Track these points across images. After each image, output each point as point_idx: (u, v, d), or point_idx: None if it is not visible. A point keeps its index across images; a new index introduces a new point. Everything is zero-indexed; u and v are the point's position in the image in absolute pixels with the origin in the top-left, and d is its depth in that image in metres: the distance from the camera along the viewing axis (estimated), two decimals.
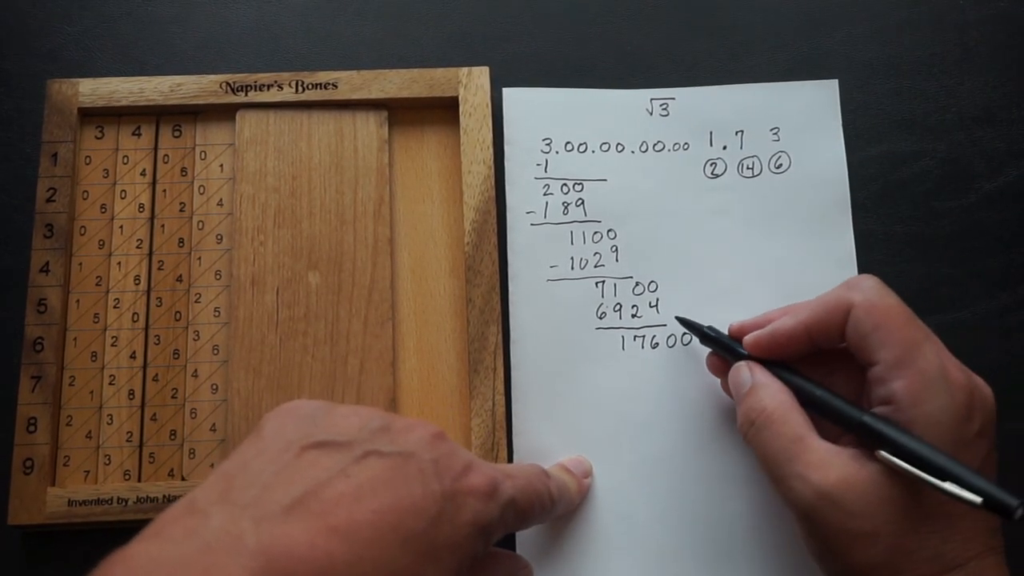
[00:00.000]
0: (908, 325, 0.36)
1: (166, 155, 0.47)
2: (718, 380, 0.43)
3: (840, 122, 0.48)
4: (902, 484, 0.34)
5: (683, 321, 0.44)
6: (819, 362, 0.40)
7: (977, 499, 0.32)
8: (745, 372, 0.40)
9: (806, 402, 0.38)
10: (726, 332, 0.42)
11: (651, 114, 0.48)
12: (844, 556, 0.35)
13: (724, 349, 0.41)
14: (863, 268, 0.45)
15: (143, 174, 0.46)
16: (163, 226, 0.46)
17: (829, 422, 0.37)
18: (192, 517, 0.30)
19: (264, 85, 0.47)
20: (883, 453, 0.34)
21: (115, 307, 0.45)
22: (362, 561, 0.30)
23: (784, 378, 0.39)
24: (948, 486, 0.33)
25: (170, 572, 0.27)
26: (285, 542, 0.29)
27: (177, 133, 0.47)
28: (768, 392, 0.38)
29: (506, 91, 0.48)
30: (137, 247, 0.45)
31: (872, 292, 0.37)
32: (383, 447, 0.32)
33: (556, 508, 0.39)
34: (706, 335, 0.42)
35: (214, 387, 0.44)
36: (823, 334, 0.38)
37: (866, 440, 0.36)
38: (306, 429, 0.33)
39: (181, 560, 0.28)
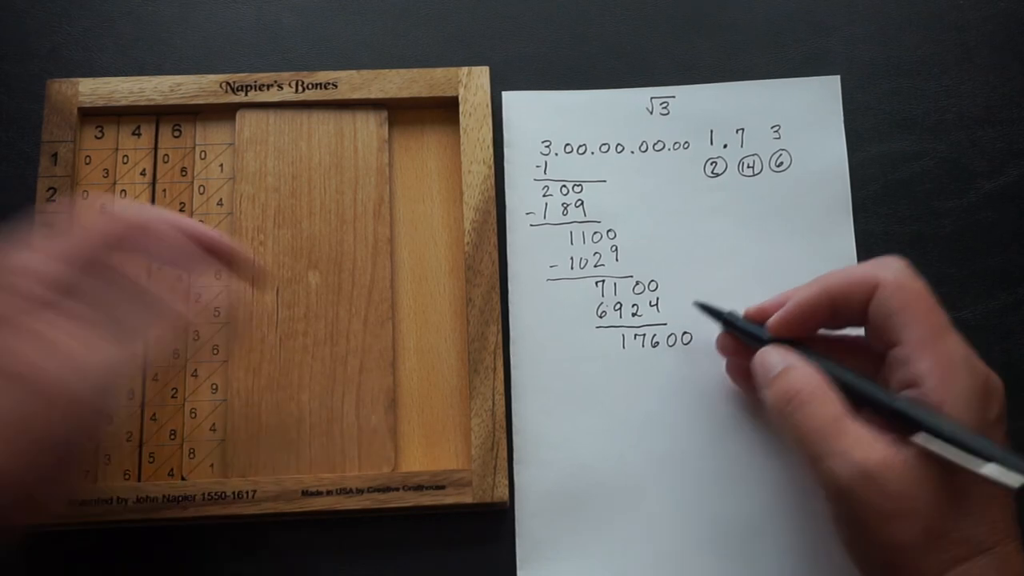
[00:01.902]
0: (934, 310, 0.36)
1: (166, 155, 0.47)
2: (718, 379, 0.43)
3: (842, 119, 0.48)
4: (937, 467, 0.34)
5: (702, 306, 0.43)
6: (830, 350, 0.39)
7: (1016, 483, 0.32)
8: (775, 355, 0.39)
9: (844, 389, 0.37)
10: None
11: (651, 113, 0.48)
12: (879, 536, 0.34)
13: (745, 335, 0.41)
14: None
15: (143, 174, 0.46)
16: None
17: (860, 405, 0.37)
18: None
19: (264, 85, 0.47)
20: (922, 435, 0.34)
21: None
22: None
23: (818, 362, 0.38)
24: (988, 469, 0.33)
25: None
26: None
27: (177, 133, 0.47)
28: (802, 373, 0.37)
29: (506, 95, 0.48)
30: None
31: (901, 273, 0.37)
32: None
33: (117, 246, 0.37)
34: (727, 320, 0.42)
35: (214, 387, 0.44)
36: (845, 306, 0.38)
37: (899, 424, 0.35)
38: None
39: None
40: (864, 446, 0.35)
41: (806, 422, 0.36)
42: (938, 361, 0.35)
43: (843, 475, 0.35)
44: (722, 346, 0.43)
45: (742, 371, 0.42)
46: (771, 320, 0.39)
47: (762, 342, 0.40)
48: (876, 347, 0.38)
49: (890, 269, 0.37)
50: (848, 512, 0.35)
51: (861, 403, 0.37)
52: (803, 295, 0.39)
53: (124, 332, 0.35)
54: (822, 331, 0.41)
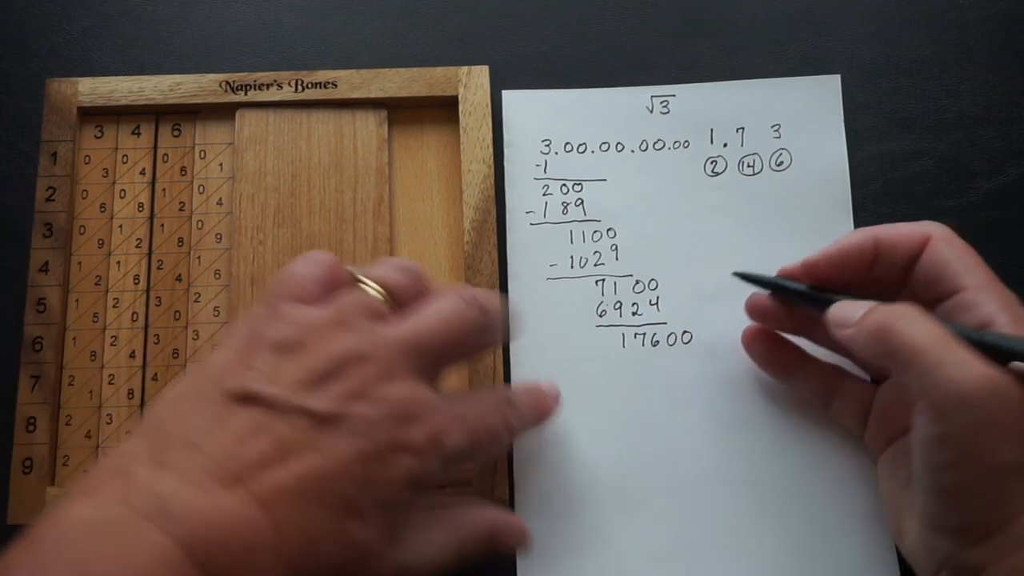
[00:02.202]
0: (983, 262, 0.37)
1: (165, 154, 0.47)
2: (718, 379, 0.43)
3: (842, 118, 0.48)
4: None
5: (743, 275, 0.42)
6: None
7: None
8: (855, 303, 0.38)
9: None
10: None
11: (651, 112, 0.48)
12: (991, 454, 0.33)
13: (790, 292, 0.40)
14: None
15: (142, 173, 0.46)
16: (162, 225, 0.46)
17: None
18: (122, 477, 0.30)
19: (263, 84, 0.47)
20: (1018, 364, 0.34)
21: (114, 306, 0.44)
22: (285, 528, 0.30)
23: None
24: None
25: (99, 537, 0.28)
26: (209, 510, 0.29)
27: (176, 132, 0.47)
28: (893, 305, 0.36)
29: (505, 94, 0.48)
30: (136, 246, 0.45)
31: (948, 231, 0.38)
32: (317, 405, 0.32)
33: (510, 440, 0.39)
34: (773, 284, 0.41)
35: None
36: (889, 255, 0.38)
37: (997, 357, 0.34)
38: (246, 373, 0.32)
39: (110, 525, 0.28)
40: (981, 361, 0.33)
41: (918, 337, 0.34)
42: (1005, 301, 0.36)
43: (968, 381, 0.33)
44: (752, 308, 0.42)
45: (766, 337, 0.43)
46: (811, 257, 0.39)
47: (805, 296, 0.40)
48: (922, 302, 0.37)
49: (939, 227, 0.38)
50: (964, 426, 0.33)
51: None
52: (849, 239, 0.39)
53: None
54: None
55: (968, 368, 0.33)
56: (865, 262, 0.39)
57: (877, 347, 0.36)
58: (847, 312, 0.38)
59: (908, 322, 0.35)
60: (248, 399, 0.32)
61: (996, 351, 0.34)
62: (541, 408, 0.40)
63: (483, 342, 0.38)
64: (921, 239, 0.38)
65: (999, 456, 0.33)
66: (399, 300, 0.36)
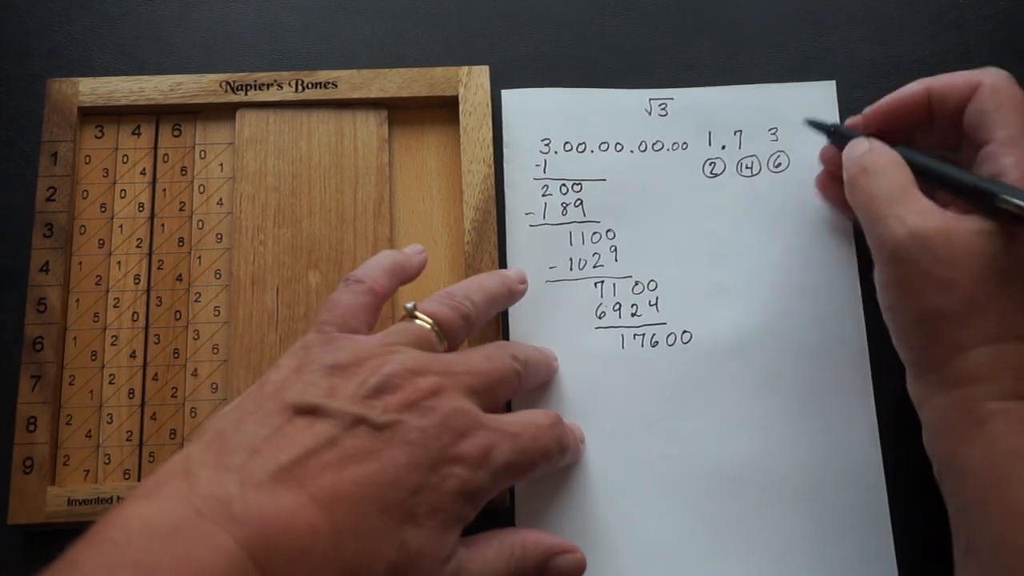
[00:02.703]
0: None
1: (166, 154, 0.47)
2: (718, 378, 0.44)
3: (838, 122, 0.47)
4: (995, 246, 0.36)
5: (812, 123, 0.44)
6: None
7: None
8: (864, 142, 0.41)
9: (920, 171, 0.39)
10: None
11: (650, 114, 0.48)
12: (921, 300, 0.37)
13: (850, 139, 0.42)
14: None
15: (143, 173, 0.46)
16: (163, 225, 0.46)
17: (940, 192, 0.39)
18: (184, 479, 0.31)
19: (264, 84, 0.47)
20: (1006, 196, 0.35)
21: (115, 306, 0.45)
22: (342, 530, 0.31)
23: (899, 150, 0.40)
24: None
25: (163, 537, 0.29)
26: (269, 511, 0.30)
27: (177, 132, 0.47)
28: (882, 151, 0.40)
29: (505, 93, 0.48)
30: (137, 246, 0.45)
31: (1001, 78, 0.39)
32: (373, 414, 0.33)
33: (562, 460, 0.40)
34: (834, 131, 0.43)
35: (214, 386, 0.44)
36: (943, 104, 0.40)
37: (980, 199, 0.37)
38: (305, 388, 0.34)
39: (172, 525, 0.29)
40: (923, 213, 0.37)
41: (873, 189, 0.39)
42: (1022, 158, 0.37)
43: (898, 235, 0.37)
44: (825, 157, 0.45)
45: (834, 182, 0.44)
46: (869, 109, 0.42)
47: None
48: (973, 151, 0.39)
49: (991, 74, 0.39)
50: (895, 275, 0.38)
51: (946, 186, 0.39)
52: (903, 90, 0.41)
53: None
54: None
55: (900, 223, 0.37)
56: (921, 113, 0.41)
57: (851, 192, 0.40)
58: (855, 149, 0.41)
59: (872, 172, 0.39)
60: (307, 410, 0.33)
61: (978, 194, 0.37)
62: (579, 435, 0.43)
63: (513, 392, 0.41)
64: (971, 87, 0.39)
65: (927, 302, 0.36)
66: (448, 334, 0.38)
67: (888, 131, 0.42)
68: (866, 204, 0.39)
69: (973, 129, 0.39)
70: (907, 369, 0.39)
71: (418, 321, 0.38)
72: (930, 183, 0.39)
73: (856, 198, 0.40)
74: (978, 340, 0.36)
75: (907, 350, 0.39)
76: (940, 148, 0.42)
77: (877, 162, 0.40)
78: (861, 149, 0.41)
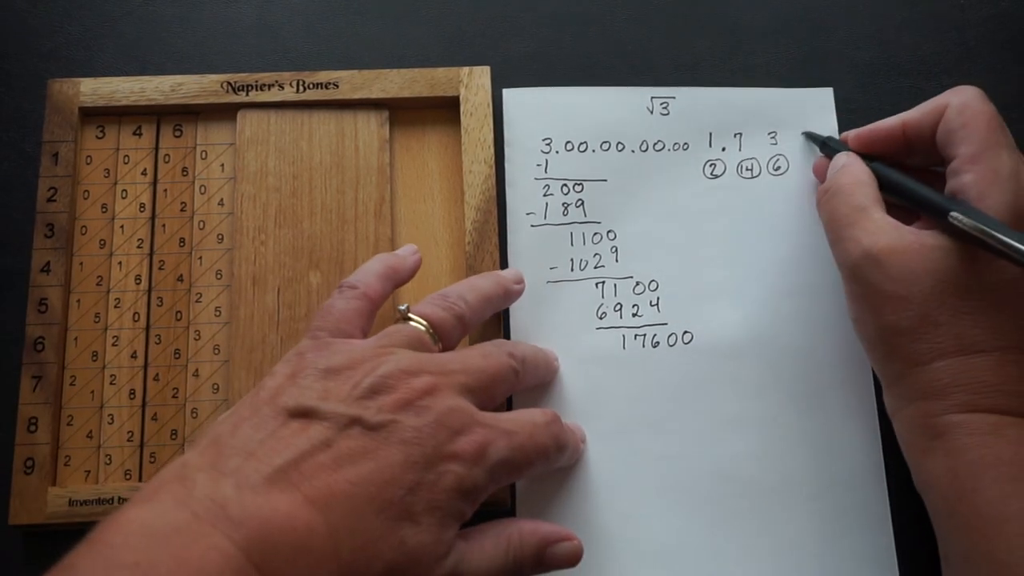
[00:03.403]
0: (994, 130, 0.38)
1: (167, 155, 0.47)
2: (718, 379, 0.44)
3: (836, 128, 0.47)
4: (949, 262, 0.37)
5: (808, 135, 0.47)
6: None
7: None
8: (842, 158, 0.43)
9: (889, 187, 0.41)
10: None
11: (651, 113, 0.48)
12: (877, 316, 0.38)
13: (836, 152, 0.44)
14: None
15: (144, 174, 0.46)
16: (164, 226, 0.46)
17: (911, 207, 0.40)
18: (181, 483, 0.31)
19: (265, 85, 0.47)
20: (954, 214, 0.36)
21: (116, 307, 0.45)
22: (339, 530, 0.31)
23: (874, 167, 0.42)
24: (1015, 243, 0.34)
25: (161, 540, 0.29)
26: (265, 512, 0.30)
27: (178, 133, 0.47)
28: (851, 170, 0.41)
29: (506, 92, 0.48)
30: (138, 247, 0.45)
31: (970, 96, 0.40)
32: (368, 415, 0.33)
33: (561, 458, 0.40)
34: (825, 143, 0.45)
35: (215, 387, 0.44)
36: (916, 132, 0.41)
37: (936, 214, 0.38)
38: (299, 392, 0.34)
39: (170, 528, 0.29)
40: (875, 233, 0.38)
41: (834, 210, 0.40)
42: (981, 175, 0.37)
43: (852, 255, 0.39)
44: (817, 169, 0.46)
45: None
46: (854, 132, 0.44)
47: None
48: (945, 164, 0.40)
49: (959, 94, 0.40)
50: (855, 291, 0.39)
51: (909, 201, 0.40)
52: (880, 122, 0.43)
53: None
54: None
55: (855, 244, 0.39)
56: (897, 143, 0.42)
57: (819, 209, 0.42)
58: (833, 167, 0.43)
59: (833, 193, 0.41)
60: (302, 413, 0.33)
61: (934, 209, 0.38)
62: (581, 435, 0.43)
63: (511, 390, 0.40)
64: (939, 113, 0.40)
65: (883, 319, 0.38)
66: (442, 334, 0.39)
67: (874, 153, 0.43)
68: (828, 225, 0.41)
69: (942, 148, 0.40)
70: (881, 381, 0.41)
71: (412, 323, 0.38)
72: (900, 198, 0.41)
73: (822, 219, 0.42)
74: (934, 355, 0.37)
75: (874, 363, 0.40)
76: (931, 167, 0.43)
77: (839, 182, 0.41)
78: (836, 166, 0.42)
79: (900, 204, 0.41)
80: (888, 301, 0.37)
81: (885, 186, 0.41)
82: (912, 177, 0.41)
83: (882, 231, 0.38)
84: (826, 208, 0.41)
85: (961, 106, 0.39)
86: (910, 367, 0.38)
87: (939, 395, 0.37)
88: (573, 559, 0.38)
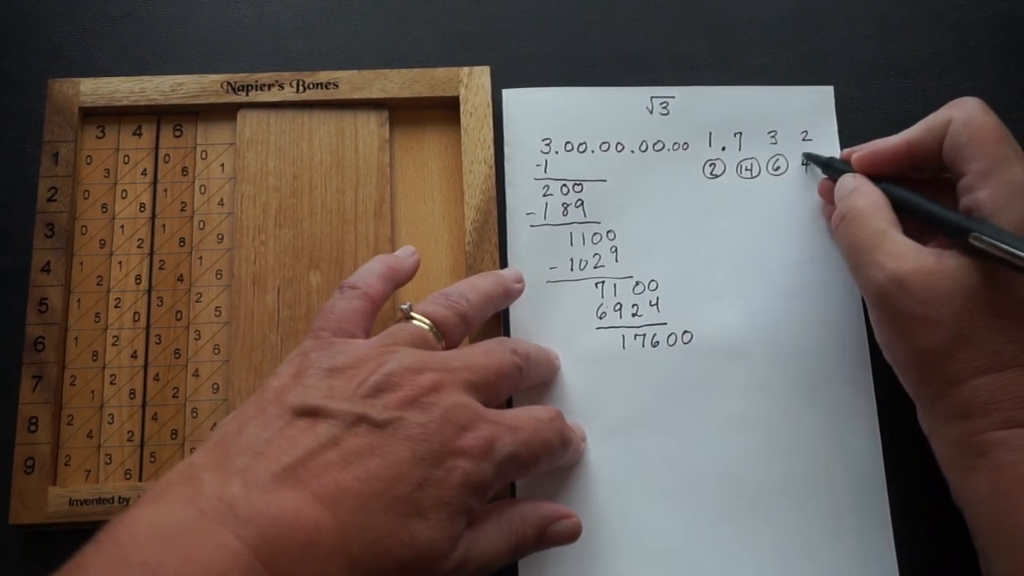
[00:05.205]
0: (1001, 142, 0.38)
1: (167, 155, 0.47)
2: (718, 379, 0.44)
3: (835, 127, 0.48)
4: (975, 280, 0.36)
5: (809, 156, 0.46)
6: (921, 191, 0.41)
7: None
8: (850, 180, 0.42)
9: (902, 207, 0.40)
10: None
11: (651, 112, 0.48)
12: (909, 340, 0.38)
13: (840, 173, 0.43)
14: None
15: (144, 174, 0.46)
16: (164, 226, 0.46)
17: (925, 226, 0.40)
18: (189, 484, 0.31)
19: (265, 85, 0.47)
20: (975, 234, 0.36)
21: (116, 306, 0.45)
22: (348, 527, 0.31)
23: (884, 187, 0.41)
24: None
25: (169, 538, 0.29)
26: (273, 510, 0.30)
27: (178, 133, 0.47)
28: (864, 193, 0.41)
29: (506, 92, 0.48)
30: (138, 247, 0.45)
31: (972, 109, 0.39)
32: (374, 412, 0.34)
33: (564, 455, 0.40)
34: (828, 164, 0.45)
35: (215, 387, 0.44)
36: (922, 150, 0.41)
37: (955, 235, 0.37)
38: (305, 391, 0.34)
39: (178, 527, 0.29)
40: (899, 256, 0.38)
41: (853, 236, 0.40)
42: (996, 189, 0.37)
43: (878, 280, 0.38)
44: (823, 191, 0.46)
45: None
46: (858, 153, 0.43)
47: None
48: (953, 182, 0.40)
49: (961, 108, 0.40)
50: (883, 316, 0.39)
51: (927, 221, 0.40)
52: (884, 142, 0.42)
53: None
54: None
55: (879, 269, 0.38)
56: (903, 161, 0.41)
57: (836, 235, 0.42)
58: (841, 189, 0.42)
59: (850, 220, 0.40)
60: (308, 411, 0.34)
61: (956, 229, 0.37)
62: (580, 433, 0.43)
63: (514, 387, 0.40)
64: (943, 130, 0.39)
65: (916, 343, 0.37)
66: (445, 332, 0.39)
67: (882, 176, 0.42)
68: (848, 252, 0.41)
69: (951, 164, 0.40)
70: (915, 402, 0.40)
71: (415, 321, 0.38)
72: (915, 219, 0.40)
73: (840, 246, 0.42)
74: (971, 373, 0.36)
75: (908, 385, 0.40)
76: (938, 176, 0.42)
77: (855, 207, 0.40)
78: (846, 190, 0.42)
79: (908, 220, 0.40)
80: (919, 325, 0.37)
81: (898, 207, 0.40)
82: (922, 195, 0.40)
83: (905, 254, 0.38)
84: (844, 234, 0.41)
85: (965, 120, 0.39)
86: (947, 388, 0.37)
87: (979, 413, 0.36)
88: (573, 536, 0.39)
